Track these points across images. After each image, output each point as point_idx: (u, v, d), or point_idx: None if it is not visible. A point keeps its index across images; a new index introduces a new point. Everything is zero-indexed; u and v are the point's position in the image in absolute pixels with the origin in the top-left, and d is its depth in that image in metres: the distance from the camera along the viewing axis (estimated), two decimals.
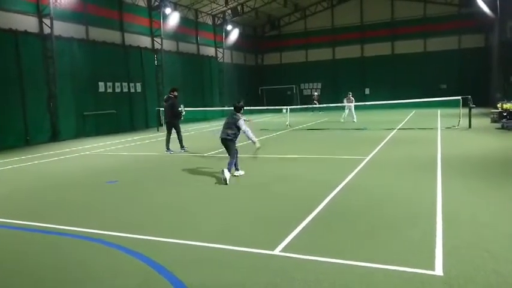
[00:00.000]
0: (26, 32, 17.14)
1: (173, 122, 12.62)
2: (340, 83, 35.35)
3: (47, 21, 17.93)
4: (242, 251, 4.46)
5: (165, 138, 12.94)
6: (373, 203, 6.12)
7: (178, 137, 12.73)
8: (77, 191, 8.07)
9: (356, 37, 35.14)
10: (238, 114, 8.38)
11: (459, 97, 16.76)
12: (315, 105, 28.45)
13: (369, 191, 6.86)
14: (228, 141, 8.37)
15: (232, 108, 8.70)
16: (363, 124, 18.94)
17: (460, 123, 16.29)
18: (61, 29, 18.61)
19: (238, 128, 8.26)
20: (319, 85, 37.15)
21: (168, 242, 4.86)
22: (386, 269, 3.83)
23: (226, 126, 8.42)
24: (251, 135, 8.19)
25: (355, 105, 21.44)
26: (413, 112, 25.59)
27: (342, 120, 21.37)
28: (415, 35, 33.17)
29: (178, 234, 5.06)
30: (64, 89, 18.65)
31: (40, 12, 17.86)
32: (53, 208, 6.77)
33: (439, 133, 14.46)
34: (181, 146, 12.74)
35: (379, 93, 32.25)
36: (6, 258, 4.65)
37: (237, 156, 8.54)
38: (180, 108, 12.71)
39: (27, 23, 17.37)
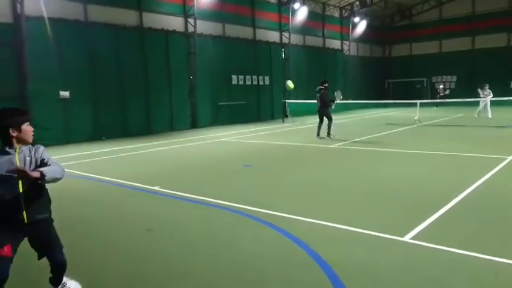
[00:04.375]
0: (174, 31, 19.49)
1: (324, 110, 13.52)
2: (478, 75, 31.96)
3: (191, 20, 20.09)
4: (371, 234, 4.74)
5: (297, 126, 13.89)
6: None
7: (328, 124, 13.64)
8: (219, 171, 9.20)
9: (502, 24, 31.29)
10: None
11: None
12: (441, 100, 26.18)
13: (509, 191, 6.45)
14: None
15: None
16: (505, 121, 17.10)
17: None
18: (202, 27, 20.66)
19: None
20: (454, 78, 34.14)
21: (301, 219, 5.38)
22: None
23: None
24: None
25: (491, 100, 19.33)
26: None
27: (476, 116, 19.55)
28: None
29: (309, 214, 5.54)
30: (202, 81, 20.72)
31: (186, 13, 20.09)
32: (200, 183, 7.88)
33: None
34: (328, 133, 13.59)
35: None
36: (166, 223, 5.71)
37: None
38: (335, 98, 14.02)
39: (175, 23, 19.71)
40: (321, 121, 13.88)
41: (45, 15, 14.72)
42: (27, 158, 3.04)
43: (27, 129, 3.08)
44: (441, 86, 30.83)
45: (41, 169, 2.95)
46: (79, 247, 4.66)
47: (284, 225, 5.14)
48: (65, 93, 15.28)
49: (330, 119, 13.63)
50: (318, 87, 13.80)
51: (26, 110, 3.10)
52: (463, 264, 3.93)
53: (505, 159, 8.96)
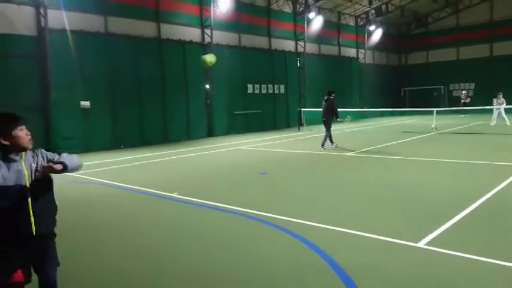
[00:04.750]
0: (191, 42, 19.87)
1: (327, 120, 13.59)
2: (497, 82, 31.50)
3: (207, 31, 20.46)
4: (386, 240, 4.80)
5: (312, 135, 13.93)
6: None
7: (325, 135, 13.60)
8: (236, 178, 9.36)
9: None
10: None
11: None
12: (465, 107, 25.85)
13: None
14: None
15: None
16: None
17: None
18: (218, 37, 21.00)
19: None
20: (472, 85, 33.68)
21: (316, 225, 5.47)
22: None
23: None
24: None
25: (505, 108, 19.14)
26: None
27: (492, 124, 19.32)
28: None
29: (322, 220, 5.63)
30: (218, 90, 21.01)
31: (202, 23, 20.48)
32: (217, 191, 8.04)
33: None
34: (322, 144, 13.53)
35: None
36: (184, 228, 5.87)
37: None
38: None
39: (192, 33, 20.09)
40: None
41: (68, 28, 15.25)
42: (33, 165, 2.86)
43: (21, 134, 2.81)
44: (463, 92, 30.35)
45: (60, 159, 2.88)
46: (93, 248, 4.84)
47: (299, 231, 5.24)
48: (85, 103, 15.72)
49: (328, 130, 13.57)
50: (326, 97, 13.85)
51: (16, 116, 2.83)
52: (478, 270, 3.96)
53: None
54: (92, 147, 15.82)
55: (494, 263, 4.02)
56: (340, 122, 13.88)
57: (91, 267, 4.51)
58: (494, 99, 19.82)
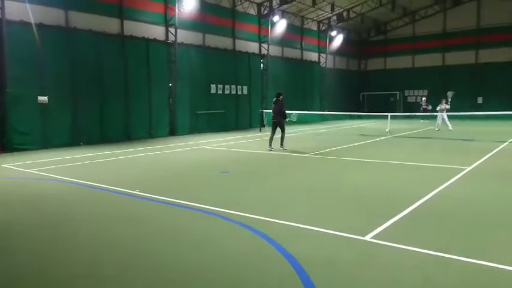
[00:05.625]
0: (154, 40, 19.78)
1: (279, 122, 13.92)
2: (448, 90, 33.29)
3: (172, 30, 20.45)
4: (336, 234, 5.20)
5: (268, 137, 14.27)
6: (467, 208, 6.38)
7: (281, 136, 13.98)
8: (198, 177, 9.55)
9: (471, 41, 32.95)
10: None
11: None
12: (425, 113, 26.79)
13: (463, 197, 7.07)
14: None
15: None
16: (470, 135, 18.08)
17: None
18: (183, 36, 21.03)
19: None
20: (425, 92, 35.52)
21: (272, 221, 5.80)
22: (483, 264, 4.28)
23: None
24: None
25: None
26: None
27: (436, 129, 20.66)
28: None
29: (279, 216, 5.97)
30: (182, 89, 21.03)
31: (167, 22, 20.44)
32: (179, 188, 8.21)
33: None
34: (281, 144, 13.96)
35: (494, 103, 29.83)
36: (144, 223, 6.04)
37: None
38: (288, 112, 14.29)
39: (156, 31, 20.01)
40: (274, 132, 14.16)
41: (26, 20, 14.83)
42: None
43: None
44: (424, 99, 31.63)
45: None
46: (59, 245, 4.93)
47: (258, 226, 5.55)
48: (43, 98, 15.32)
49: (283, 131, 14.01)
50: (275, 99, 14.22)
51: None
52: (418, 259, 4.41)
53: (464, 169, 9.65)
54: (50, 143, 15.45)
55: (432, 254, 4.49)
56: (288, 121, 14.42)
57: (57, 262, 4.60)
58: (438, 106, 21.13)
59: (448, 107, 20.68)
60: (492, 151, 12.80)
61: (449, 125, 20.27)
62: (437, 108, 21.13)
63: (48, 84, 15.52)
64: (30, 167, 10.92)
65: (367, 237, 5.04)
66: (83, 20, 16.80)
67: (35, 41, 15.00)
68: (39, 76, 15.27)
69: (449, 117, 20.61)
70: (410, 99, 36.12)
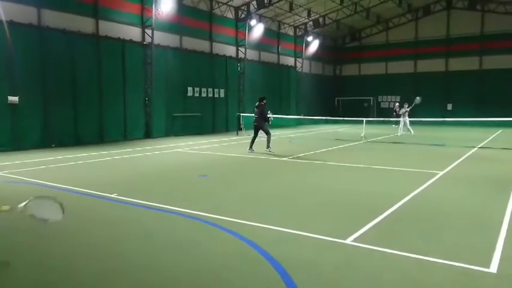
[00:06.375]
0: (131, 41, 19.50)
1: (261, 125, 14.11)
2: (420, 96, 34.33)
3: (148, 31, 20.20)
4: (317, 237, 5.24)
5: (250, 139, 14.51)
6: (441, 212, 6.56)
7: (267, 139, 14.14)
8: (175, 180, 9.43)
9: (441, 50, 34.07)
10: None
11: None
12: (398, 118, 27.42)
13: (437, 201, 7.26)
14: None
15: None
16: (441, 140, 18.63)
17: None
18: (159, 38, 20.81)
19: None
20: (398, 98, 36.38)
21: (254, 224, 5.79)
22: (447, 264, 4.40)
23: None
24: None
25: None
26: (500, 131, 24.32)
27: (399, 134, 21.38)
28: (506, 49, 31.36)
29: (260, 219, 5.97)
30: (158, 92, 20.78)
31: (143, 23, 20.19)
32: (156, 192, 8.09)
33: None
34: (268, 147, 14.12)
35: (462, 109, 30.92)
36: (122, 228, 5.92)
37: None
38: (268, 115, 14.46)
39: (132, 32, 19.74)
40: (256, 135, 14.41)
41: None
42: None
43: None
44: (397, 104, 32.25)
45: None
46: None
47: (238, 229, 5.52)
48: (13, 99, 14.82)
49: (267, 133, 14.15)
50: (258, 103, 14.41)
51: None
52: (396, 261, 4.50)
53: (436, 174, 9.93)
54: (21, 145, 14.96)
55: (410, 256, 4.59)
56: (269, 124, 14.64)
57: (34, 265, 4.44)
58: (401, 109, 21.95)
59: (408, 110, 21.57)
60: (462, 156, 13.23)
61: (411, 130, 21.00)
62: (400, 112, 21.86)
63: (19, 84, 15.03)
64: (1, 169, 10.53)
65: (348, 241, 5.11)
66: (56, 19, 16.38)
67: (5, 39, 14.52)
68: (10, 75, 14.78)
69: (420, 123, 21.26)
70: (384, 105, 36.96)
